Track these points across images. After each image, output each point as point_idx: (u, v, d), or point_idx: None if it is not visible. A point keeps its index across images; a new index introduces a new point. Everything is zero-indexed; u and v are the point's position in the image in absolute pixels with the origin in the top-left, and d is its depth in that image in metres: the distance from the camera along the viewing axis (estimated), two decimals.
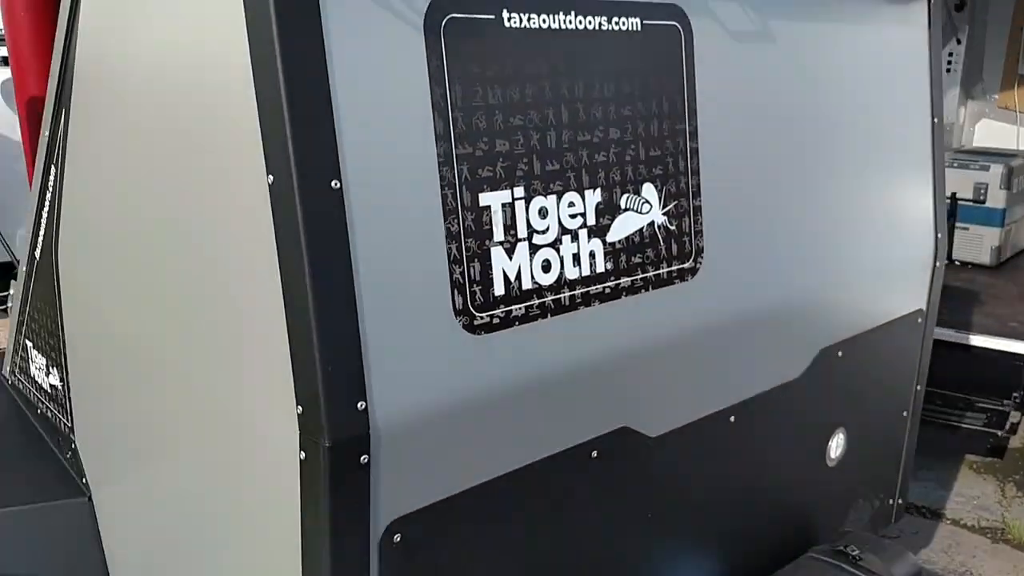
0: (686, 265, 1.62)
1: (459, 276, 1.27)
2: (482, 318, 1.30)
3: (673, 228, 1.59)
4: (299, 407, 1.16)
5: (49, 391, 1.97)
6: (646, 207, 1.54)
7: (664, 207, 1.57)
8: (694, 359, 1.68)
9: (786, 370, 1.91)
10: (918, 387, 2.37)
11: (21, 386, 2.13)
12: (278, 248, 1.13)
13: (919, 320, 2.28)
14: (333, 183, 1.12)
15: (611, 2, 1.45)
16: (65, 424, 1.90)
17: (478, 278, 1.29)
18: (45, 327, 1.93)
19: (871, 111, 2.04)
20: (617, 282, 1.50)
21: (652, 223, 1.55)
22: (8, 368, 2.21)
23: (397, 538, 1.26)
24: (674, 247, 1.59)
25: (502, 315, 1.33)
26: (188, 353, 1.43)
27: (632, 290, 1.53)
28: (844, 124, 1.97)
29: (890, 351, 2.23)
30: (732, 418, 1.80)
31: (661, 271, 1.58)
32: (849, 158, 1.99)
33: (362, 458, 1.18)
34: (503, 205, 1.32)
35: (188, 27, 1.26)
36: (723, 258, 1.69)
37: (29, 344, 2.05)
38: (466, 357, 1.29)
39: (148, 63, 1.40)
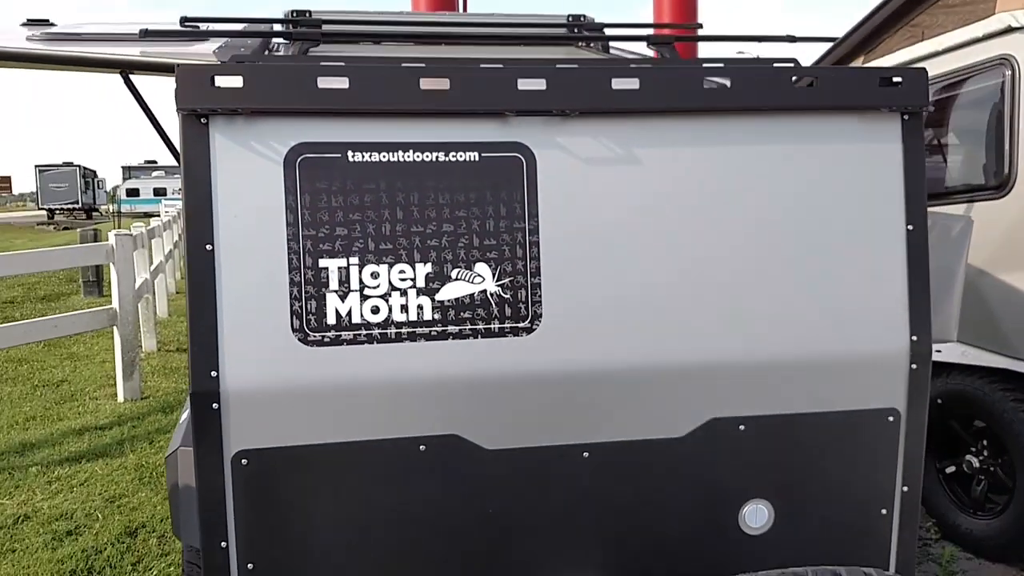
0: (521, 325, 2.19)
1: (298, 308, 2.09)
2: (314, 336, 2.10)
3: (507, 296, 2.18)
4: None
5: None
6: (478, 279, 2.17)
7: (498, 280, 2.18)
8: (536, 396, 2.21)
9: (660, 428, 2.28)
10: (904, 488, 2.41)
11: None
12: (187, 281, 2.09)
13: (890, 419, 2.37)
14: (207, 245, 2.05)
15: (448, 143, 2.15)
16: None
17: (314, 311, 2.10)
18: None
19: (803, 215, 2.30)
20: (444, 328, 2.16)
21: (484, 291, 2.18)
22: None
23: (244, 462, 2.10)
24: (507, 310, 2.18)
25: (332, 336, 2.11)
26: None
27: (460, 336, 2.17)
28: (759, 225, 2.28)
29: (843, 443, 2.36)
30: (586, 454, 2.25)
31: (492, 326, 2.18)
32: (764, 254, 2.29)
33: (213, 405, 2.06)
34: (339, 268, 2.11)
35: None
36: (565, 323, 2.20)
37: None
38: (299, 360, 2.10)
39: None
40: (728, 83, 2.25)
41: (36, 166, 48.41)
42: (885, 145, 2.35)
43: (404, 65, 2.16)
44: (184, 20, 3.67)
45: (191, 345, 2.06)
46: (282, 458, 2.12)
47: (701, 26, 4.38)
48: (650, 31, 3.75)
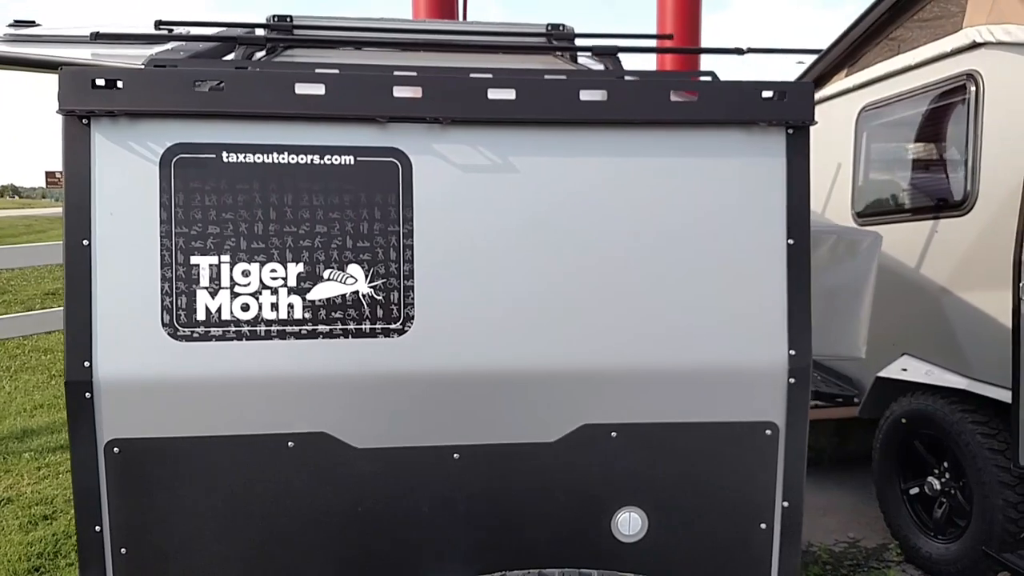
0: (392, 326, 2.24)
1: (168, 303, 2.17)
2: (184, 332, 2.18)
3: (379, 298, 2.23)
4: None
5: None
6: (350, 280, 2.23)
7: (371, 282, 2.23)
8: (406, 397, 2.26)
9: (532, 432, 2.30)
10: (785, 503, 2.40)
11: None
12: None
13: (768, 432, 2.36)
14: (84, 241, 2.14)
15: (323, 146, 2.22)
16: None
17: (184, 307, 2.18)
18: None
19: (682, 227, 2.31)
20: (315, 327, 2.22)
21: (357, 292, 2.23)
22: None
23: (116, 450, 2.18)
24: (379, 311, 2.23)
25: (201, 332, 2.18)
26: None
27: (330, 335, 2.22)
28: (636, 235, 2.30)
29: (719, 455, 2.36)
30: (456, 455, 2.29)
31: (364, 326, 2.23)
32: (639, 264, 2.30)
33: (86, 394, 2.15)
34: (210, 265, 2.19)
35: None
36: (437, 326, 2.25)
37: None
38: (169, 353, 2.17)
39: None
40: (605, 96, 2.28)
41: None
42: (768, 159, 2.35)
43: (279, 71, 2.23)
44: (158, 23, 3.79)
45: (66, 335, 2.16)
46: (153, 448, 2.20)
47: (671, 37, 4.38)
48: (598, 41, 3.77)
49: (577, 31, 4.31)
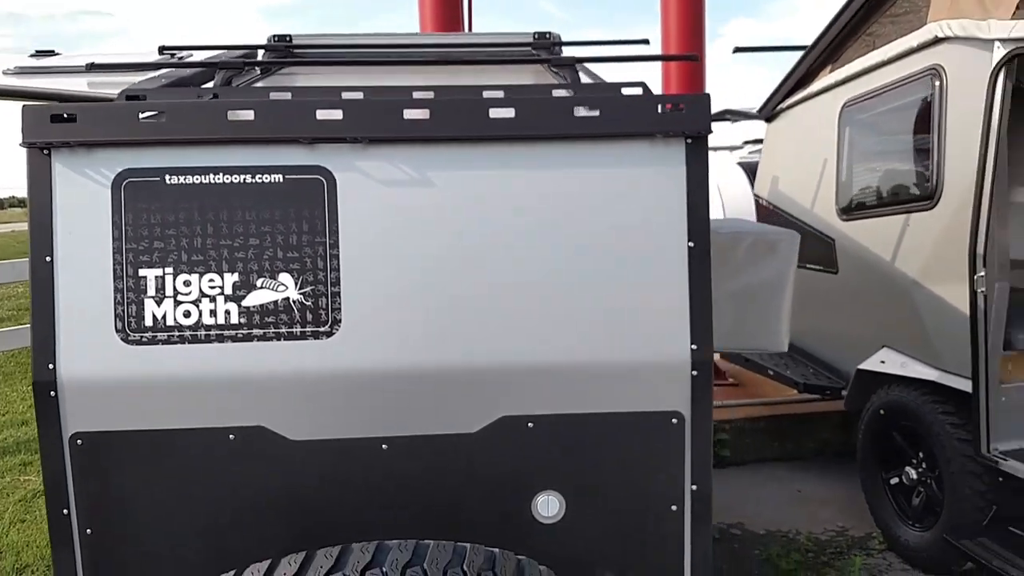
0: (321, 328, 2.47)
1: (120, 311, 2.44)
2: (134, 336, 2.44)
3: (308, 303, 2.47)
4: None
5: None
6: (281, 288, 2.47)
7: (300, 289, 2.47)
8: (335, 393, 2.48)
9: (454, 424, 2.51)
10: (694, 487, 2.56)
11: None
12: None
13: (674, 421, 2.53)
14: (47, 257, 2.42)
15: (255, 165, 2.45)
16: None
17: (134, 314, 2.44)
18: None
19: (590, 233, 2.49)
20: (250, 331, 2.46)
21: (287, 298, 2.47)
22: None
23: (79, 442, 2.46)
24: (308, 315, 2.47)
25: (149, 336, 2.44)
26: None
27: (264, 338, 2.46)
28: (547, 242, 2.49)
29: (630, 442, 2.54)
30: (384, 446, 2.51)
31: (295, 329, 2.47)
32: (550, 268, 2.49)
33: (51, 392, 2.43)
34: (156, 277, 2.44)
35: None
36: (363, 328, 2.47)
37: None
38: (122, 356, 2.44)
39: None
40: (513, 114, 2.47)
41: None
42: (669, 168, 2.50)
43: (212, 100, 2.47)
44: (162, 49, 4.10)
45: (32, 340, 2.44)
46: (111, 440, 2.47)
47: (647, 42, 4.52)
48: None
49: (565, 39, 4.48)
